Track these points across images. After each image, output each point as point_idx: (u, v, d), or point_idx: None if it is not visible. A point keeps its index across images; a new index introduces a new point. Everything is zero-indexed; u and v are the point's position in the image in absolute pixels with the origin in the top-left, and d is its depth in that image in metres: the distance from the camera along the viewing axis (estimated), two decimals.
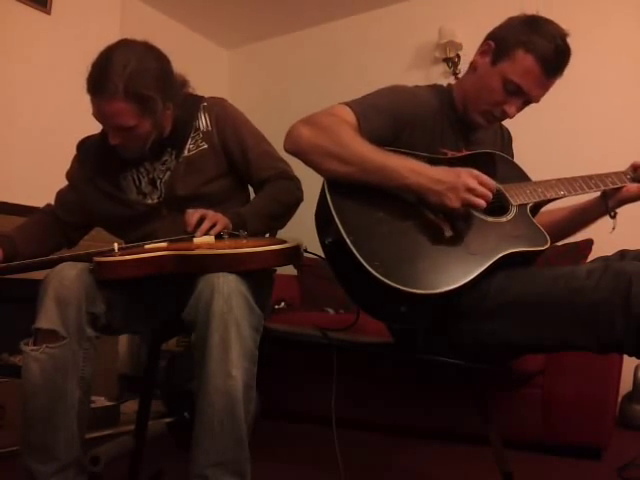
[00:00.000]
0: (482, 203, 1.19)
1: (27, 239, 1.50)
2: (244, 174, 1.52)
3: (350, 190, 1.23)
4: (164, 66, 1.39)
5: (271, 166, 1.51)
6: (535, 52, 1.28)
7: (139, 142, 1.39)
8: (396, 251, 1.17)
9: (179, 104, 1.46)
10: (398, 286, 1.11)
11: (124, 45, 1.35)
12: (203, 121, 1.50)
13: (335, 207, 1.20)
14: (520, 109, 1.37)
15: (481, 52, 1.38)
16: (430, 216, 1.23)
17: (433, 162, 1.28)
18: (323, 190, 1.25)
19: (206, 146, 1.48)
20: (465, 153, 1.41)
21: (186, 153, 1.47)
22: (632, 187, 1.37)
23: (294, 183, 1.53)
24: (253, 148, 1.50)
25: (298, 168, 1.46)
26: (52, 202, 1.61)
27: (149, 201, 1.48)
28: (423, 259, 1.18)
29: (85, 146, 1.55)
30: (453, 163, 1.33)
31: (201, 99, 1.53)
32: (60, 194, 1.60)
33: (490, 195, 1.20)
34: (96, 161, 1.51)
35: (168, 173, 1.47)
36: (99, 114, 1.35)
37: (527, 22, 1.33)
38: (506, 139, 1.59)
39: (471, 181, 1.18)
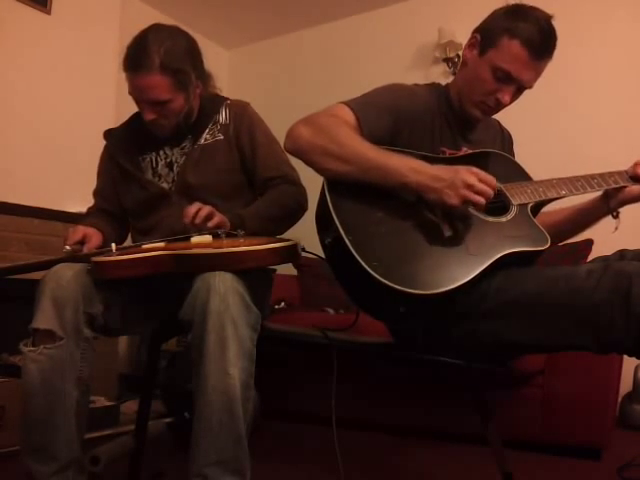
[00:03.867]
0: (481, 200, 1.18)
1: (108, 230, 1.53)
2: (251, 171, 1.55)
3: (350, 190, 1.23)
4: (195, 46, 1.49)
5: (277, 167, 1.53)
6: (520, 36, 1.28)
7: (172, 118, 1.46)
8: (395, 251, 1.17)
9: (205, 95, 1.53)
10: (397, 286, 1.11)
11: (157, 27, 1.45)
12: (223, 115, 1.56)
13: (334, 207, 1.20)
14: (514, 96, 1.36)
15: (468, 46, 1.38)
16: (429, 216, 1.23)
17: (432, 161, 1.27)
18: (323, 190, 1.25)
19: (222, 137, 1.53)
20: (465, 152, 1.41)
21: (202, 141, 1.52)
22: (634, 188, 1.36)
23: (298, 189, 1.54)
24: (263, 146, 1.54)
25: (298, 168, 1.46)
26: (52, 205, 1.62)
27: (163, 184, 1.52)
28: (422, 259, 1.17)
29: (111, 133, 1.61)
30: (453, 162, 1.33)
31: (226, 98, 1.60)
32: (96, 189, 1.65)
33: (491, 192, 1.19)
34: (120, 144, 1.57)
35: (184, 158, 1.51)
36: (135, 89, 1.41)
37: (510, 10, 1.33)
38: (507, 141, 1.59)
39: (470, 177, 1.17)
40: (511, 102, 1.36)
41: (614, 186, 1.36)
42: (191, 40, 1.49)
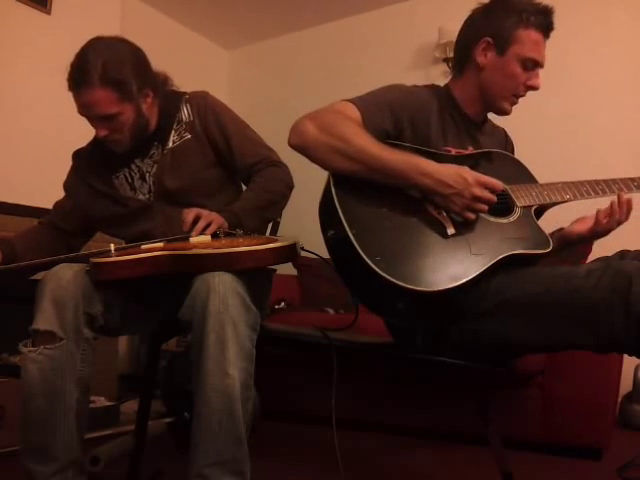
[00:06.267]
0: (485, 209, 1.22)
1: (27, 245, 1.52)
2: (229, 162, 1.52)
3: (354, 185, 1.24)
4: (138, 55, 1.44)
5: (255, 152, 1.51)
6: (532, 24, 1.34)
7: (125, 131, 1.42)
8: (398, 247, 1.18)
9: (162, 98, 1.49)
10: (398, 282, 1.11)
11: (97, 41, 1.40)
12: (185, 112, 1.52)
13: (339, 201, 1.21)
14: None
15: (482, 51, 1.38)
16: (434, 214, 1.23)
17: (440, 159, 1.28)
18: (328, 184, 1.25)
19: (189, 136, 1.50)
20: (473, 151, 1.41)
21: (170, 145, 1.49)
22: (575, 228, 1.37)
23: (281, 169, 1.52)
24: (235, 135, 1.51)
25: (301, 163, 1.45)
26: (51, 205, 1.63)
27: (140, 196, 1.50)
28: (424, 256, 1.18)
29: (79, 155, 1.59)
30: (460, 161, 1.34)
31: (183, 94, 1.56)
32: (57, 204, 1.63)
33: (494, 199, 1.22)
34: (90, 165, 1.54)
35: (156, 166, 1.49)
36: (82, 108, 1.39)
37: (505, 3, 1.37)
38: (509, 149, 1.60)
39: (478, 190, 1.20)
40: None
41: (618, 193, 1.36)
42: (134, 49, 1.43)
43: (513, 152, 1.61)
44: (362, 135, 1.24)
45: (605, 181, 1.38)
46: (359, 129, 1.25)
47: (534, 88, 1.38)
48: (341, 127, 1.24)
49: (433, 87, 1.48)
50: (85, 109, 1.38)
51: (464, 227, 1.23)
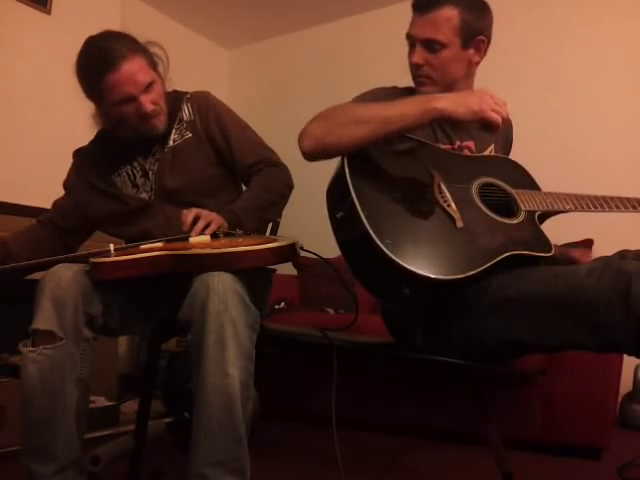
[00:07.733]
0: (505, 112, 1.22)
1: (23, 245, 1.52)
2: (229, 162, 1.53)
3: (368, 168, 1.26)
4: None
5: (254, 152, 1.52)
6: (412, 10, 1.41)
7: (162, 103, 1.44)
8: (407, 233, 1.19)
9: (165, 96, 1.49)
10: (406, 265, 1.12)
11: (93, 35, 1.41)
12: (186, 111, 1.53)
13: (353, 182, 1.22)
14: (426, 54, 1.40)
15: None
16: (444, 206, 1.24)
17: (449, 157, 1.33)
18: (342, 166, 1.26)
19: (190, 135, 1.51)
20: (478, 154, 1.44)
21: (171, 143, 1.50)
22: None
23: (281, 169, 1.53)
24: (236, 135, 1.52)
25: (301, 164, 1.44)
26: (51, 205, 1.63)
27: (142, 194, 1.50)
28: (433, 245, 1.19)
29: (80, 153, 1.59)
30: (469, 162, 1.39)
31: (185, 93, 1.57)
32: (56, 202, 1.63)
33: (506, 109, 1.24)
34: (91, 163, 1.54)
35: (157, 164, 1.50)
36: (124, 84, 1.36)
37: None
38: (509, 141, 1.62)
39: (488, 90, 1.23)
40: (426, 61, 1.40)
41: (616, 210, 1.37)
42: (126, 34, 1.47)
43: (510, 146, 1.64)
44: (363, 103, 1.29)
45: (604, 197, 1.39)
46: (356, 103, 1.30)
47: (412, 64, 1.42)
48: (340, 109, 1.29)
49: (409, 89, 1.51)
50: (128, 85, 1.36)
51: (472, 223, 1.24)
